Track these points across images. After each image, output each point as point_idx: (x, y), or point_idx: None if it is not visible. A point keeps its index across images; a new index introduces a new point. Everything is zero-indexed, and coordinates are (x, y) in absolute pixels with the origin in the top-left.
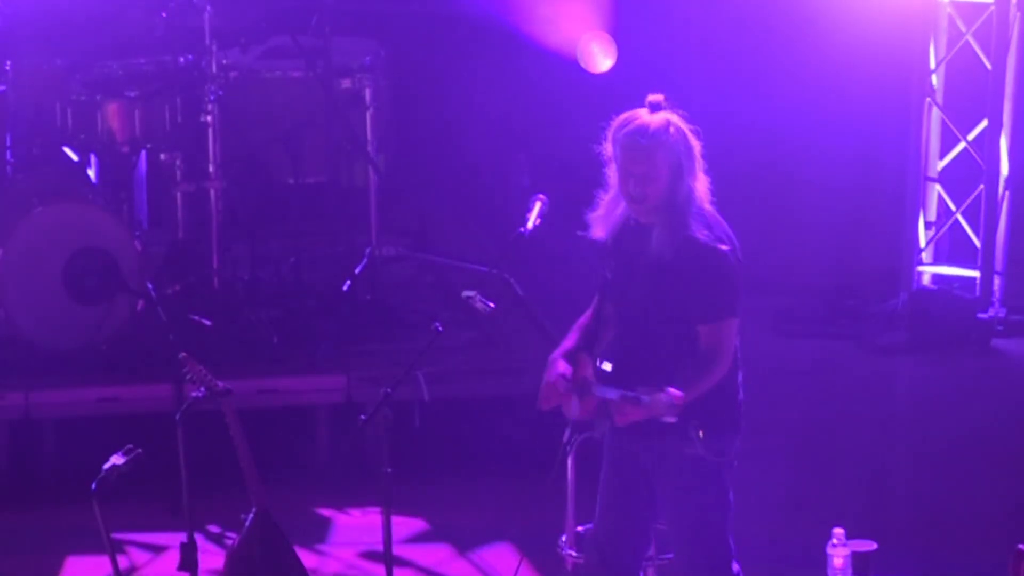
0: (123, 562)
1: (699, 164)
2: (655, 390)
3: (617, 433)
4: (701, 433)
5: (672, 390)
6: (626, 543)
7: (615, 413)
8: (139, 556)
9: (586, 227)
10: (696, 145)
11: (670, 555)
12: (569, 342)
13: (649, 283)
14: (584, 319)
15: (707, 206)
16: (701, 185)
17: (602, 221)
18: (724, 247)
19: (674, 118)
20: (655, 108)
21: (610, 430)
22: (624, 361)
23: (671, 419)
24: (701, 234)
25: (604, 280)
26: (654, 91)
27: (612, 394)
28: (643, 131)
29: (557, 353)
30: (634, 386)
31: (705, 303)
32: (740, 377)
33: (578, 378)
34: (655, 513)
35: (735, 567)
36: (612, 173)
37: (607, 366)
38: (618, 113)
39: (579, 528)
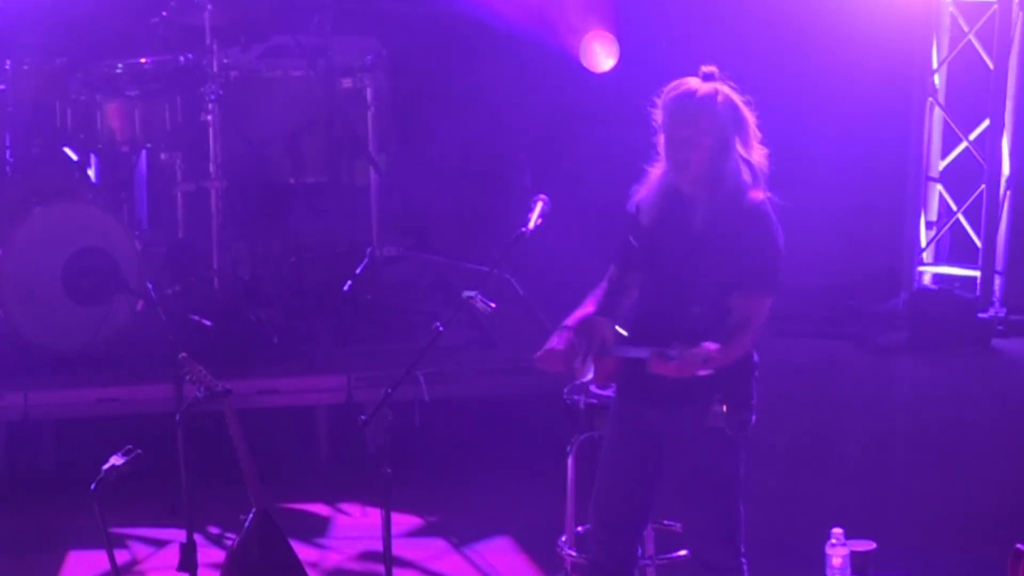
0: (124, 556)
1: (753, 136)
2: (687, 346)
3: (628, 399)
4: (725, 407)
5: (707, 344)
6: (629, 509)
7: (650, 369)
8: (140, 550)
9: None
10: (749, 117)
11: (670, 555)
12: (585, 309)
13: (689, 252)
14: (600, 288)
15: (746, 175)
16: (756, 156)
17: (644, 187)
18: (775, 223)
19: (724, 88)
20: (707, 78)
21: (619, 396)
22: (651, 328)
23: (706, 372)
24: (751, 206)
25: (629, 248)
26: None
27: (641, 352)
28: (689, 96)
29: (570, 319)
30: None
31: (746, 273)
32: (756, 357)
33: (595, 341)
34: (659, 480)
35: (739, 551)
36: (660, 141)
37: (622, 331)
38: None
39: (579, 528)
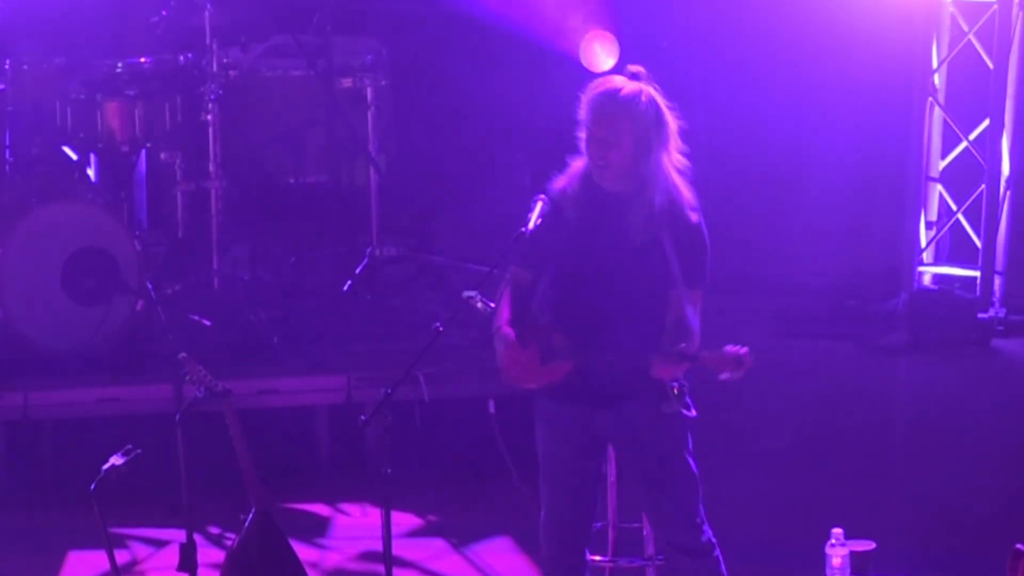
0: (124, 556)
1: (673, 140)
2: (674, 351)
3: (567, 402)
4: (676, 389)
5: (734, 347)
6: (578, 509)
7: (656, 370)
8: (140, 550)
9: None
10: (671, 122)
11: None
12: (506, 313)
13: (619, 252)
14: (507, 292)
15: (676, 177)
16: (674, 158)
17: (565, 179)
18: (699, 218)
19: (649, 89)
20: (634, 78)
21: (553, 399)
22: (578, 330)
23: (736, 376)
24: (678, 205)
25: (540, 246)
26: (658, 89)
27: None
28: (612, 95)
29: (502, 323)
30: (608, 350)
31: (685, 271)
32: None
33: (545, 346)
34: (601, 479)
35: (707, 529)
36: (582, 136)
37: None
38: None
39: None
